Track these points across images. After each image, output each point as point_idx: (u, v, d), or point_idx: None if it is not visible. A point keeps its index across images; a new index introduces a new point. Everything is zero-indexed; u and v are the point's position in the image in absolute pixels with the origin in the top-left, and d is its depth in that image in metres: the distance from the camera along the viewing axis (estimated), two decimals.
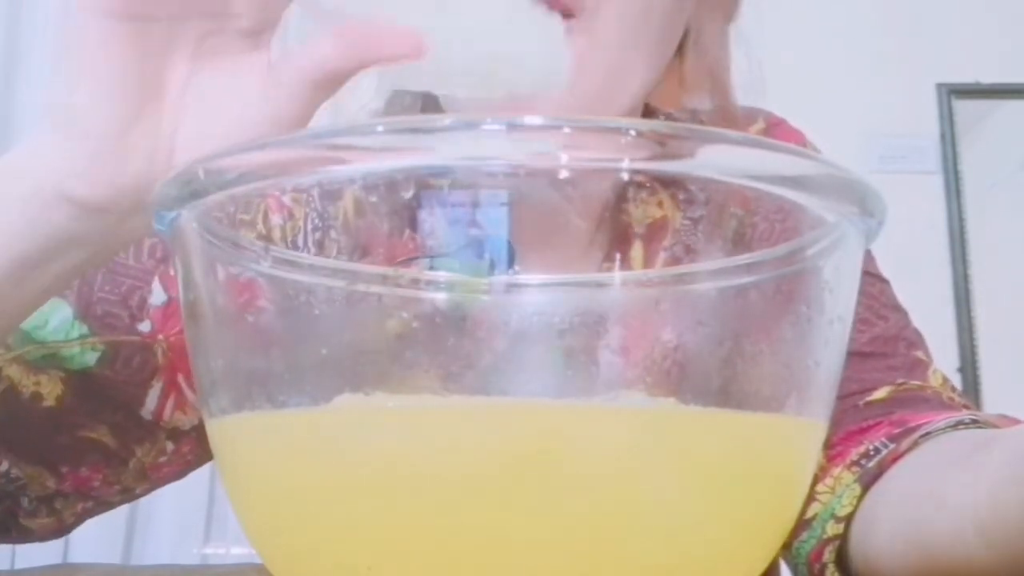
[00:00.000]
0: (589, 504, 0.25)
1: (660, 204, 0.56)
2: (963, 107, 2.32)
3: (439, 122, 0.25)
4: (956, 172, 2.29)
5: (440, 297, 0.35)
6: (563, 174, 0.26)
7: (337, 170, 0.27)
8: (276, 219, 0.54)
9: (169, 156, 0.36)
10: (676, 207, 0.55)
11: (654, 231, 0.56)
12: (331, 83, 0.35)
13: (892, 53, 2.31)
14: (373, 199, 0.42)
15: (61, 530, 0.57)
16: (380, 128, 0.25)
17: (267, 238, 0.51)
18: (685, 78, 0.59)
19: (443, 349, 0.31)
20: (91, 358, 0.53)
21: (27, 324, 0.50)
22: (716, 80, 0.61)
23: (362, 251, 0.45)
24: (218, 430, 0.30)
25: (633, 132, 0.25)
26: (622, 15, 0.51)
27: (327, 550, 0.27)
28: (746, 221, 0.30)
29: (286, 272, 0.32)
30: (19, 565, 2.00)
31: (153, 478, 0.59)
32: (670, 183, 0.54)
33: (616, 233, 0.57)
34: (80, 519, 0.58)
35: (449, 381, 0.30)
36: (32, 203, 0.36)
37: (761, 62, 0.63)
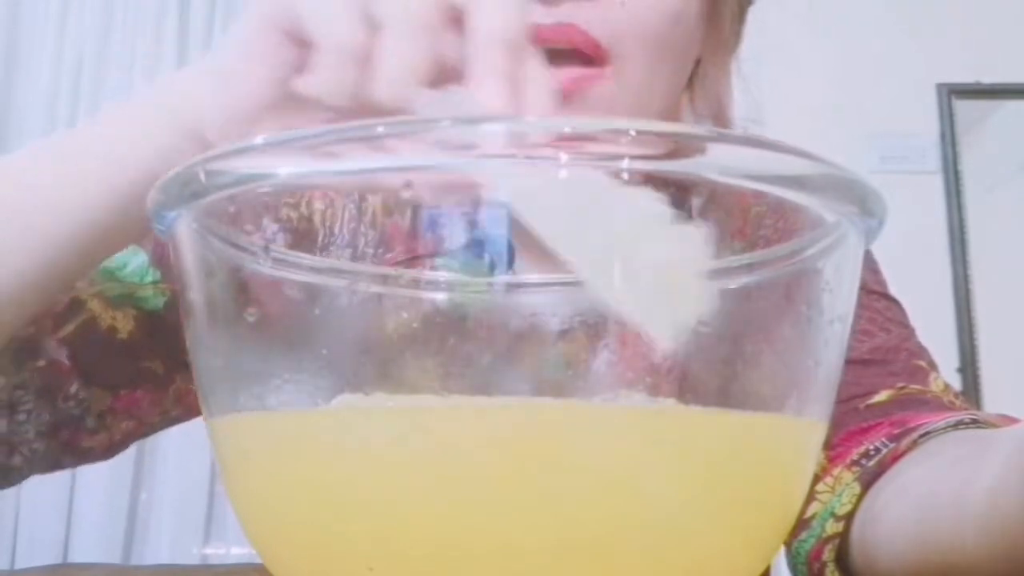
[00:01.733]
0: (588, 504, 0.25)
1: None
2: (963, 107, 2.32)
3: (439, 122, 0.25)
4: (956, 172, 2.29)
5: (440, 297, 0.35)
6: (563, 174, 0.26)
7: (337, 170, 0.27)
8: (318, 204, 0.57)
9: None
10: (677, 208, 0.55)
11: None
12: None
13: (892, 53, 2.31)
14: (372, 199, 0.43)
15: (111, 448, 0.62)
16: (380, 128, 0.25)
17: (308, 219, 0.54)
18: (693, 109, 0.62)
19: (443, 349, 0.31)
20: (160, 301, 0.60)
21: (109, 264, 0.58)
22: (720, 111, 0.63)
23: (386, 246, 0.47)
24: (218, 429, 0.30)
25: (633, 132, 0.25)
26: (646, 60, 0.54)
27: (327, 550, 0.27)
28: (747, 223, 0.31)
29: (286, 272, 0.32)
30: (19, 565, 2.01)
31: (185, 403, 0.64)
32: (670, 184, 0.54)
33: None
34: (125, 440, 0.63)
35: (449, 381, 0.30)
36: (175, 133, 0.43)
37: (760, 103, 0.65)
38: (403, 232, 0.44)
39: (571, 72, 0.52)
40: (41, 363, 0.56)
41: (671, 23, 0.54)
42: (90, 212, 0.45)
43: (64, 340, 0.57)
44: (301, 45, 0.37)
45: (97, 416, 0.60)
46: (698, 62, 0.62)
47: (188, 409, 0.65)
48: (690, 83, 0.62)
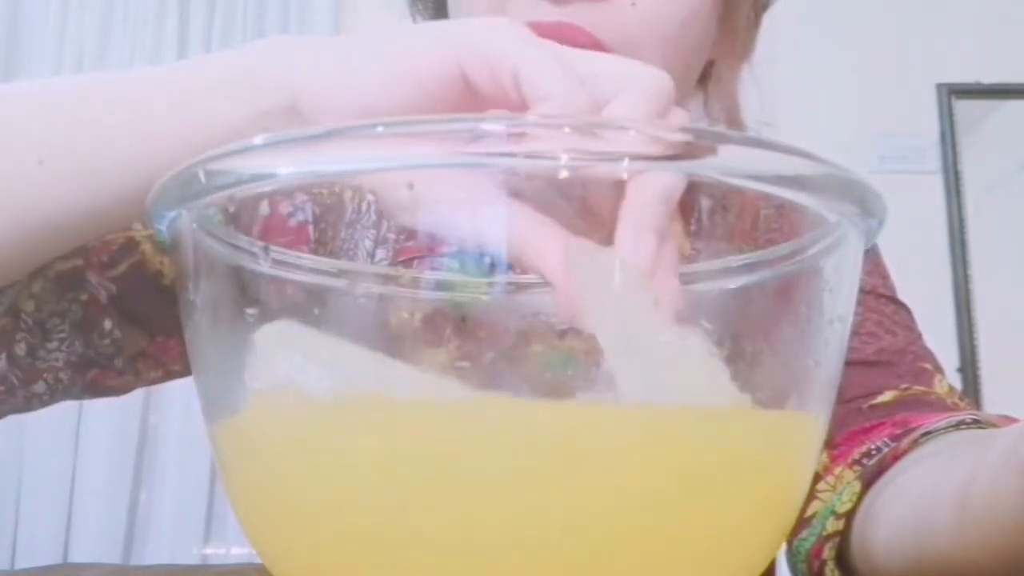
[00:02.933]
0: (588, 503, 0.25)
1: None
2: (963, 107, 2.32)
3: (439, 122, 0.25)
4: (956, 172, 2.29)
5: (440, 297, 0.35)
6: (563, 174, 0.26)
7: (337, 170, 0.27)
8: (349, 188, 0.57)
9: None
10: (686, 237, 0.55)
11: None
12: None
13: (892, 53, 2.31)
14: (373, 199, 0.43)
15: (129, 390, 0.62)
16: (380, 128, 0.25)
17: (339, 196, 0.55)
18: (707, 111, 0.62)
19: (443, 349, 0.31)
20: None
21: None
22: (734, 114, 0.63)
23: (408, 234, 0.47)
24: (218, 430, 0.30)
25: (633, 132, 0.25)
26: (655, 62, 0.52)
27: (327, 550, 0.27)
28: (747, 224, 0.30)
29: (286, 272, 0.32)
30: (19, 565, 2.00)
31: None
32: (683, 211, 0.55)
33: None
34: (147, 384, 0.63)
35: (449, 381, 0.30)
36: (261, 99, 0.38)
37: (774, 107, 0.65)
38: (393, 236, 0.43)
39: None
40: (84, 296, 0.56)
41: (683, 25, 0.54)
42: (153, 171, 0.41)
43: (114, 279, 0.57)
44: (472, 93, 0.34)
45: (129, 359, 0.60)
46: (711, 64, 0.61)
47: None
48: (703, 85, 0.62)
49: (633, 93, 0.32)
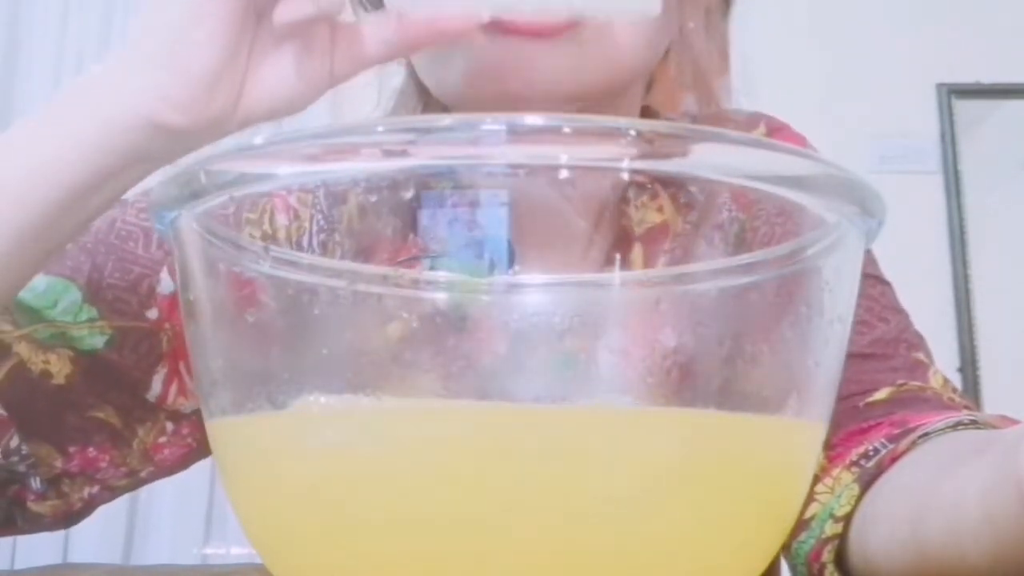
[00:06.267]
0: (588, 506, 0.25)
1: (660, 208, 0.55)
2: (963, 107, 2.32)
3: (439, 122, 0.25)
4: (956, 172, 2.29)
5: (440, 297, 0.35)
6: (563, 174, 0.26)
7: (337, 170, 0.27)
8: (282, 219, 0.55)
9: (238, 99, 0.42)
10: (676, 211, 0.54)
11: (654, 234, 0.56)
12: (384, 59, 0.44)
13: (892, 53, 2.31)
14: (374, 199, 0.43)
15: (69, 516, 0.57)
16: (380, 128, 0.25)
17: (272, 238, 0.52)
18: (673, 76, 0.59)
19: (443, 350, 0.31)
20: (99, 341, 0.54)
21: (37, 303, 0.53)
22: (702, 80, 0.59)
23: (365, 255, 0.46)
24: (218, 430, 0.30)
25: (633, 132, 0.25)
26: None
27: (327, 550, 0.27)
28: (748, 225, 0.30)
29: (286, 272, 0.32)
30: (19, 565, 2.01)
31: (156, 460, 0.59)
32: (670, 184, 0.54)
33: (616, 236, 0.57)
34: (87, 506, 0.58)
35: (449, 381, 0.30)
36: (112, 126, 0.40)
37: (749, 63, 0.62)
38: (386, 238, 0.43)
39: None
40: None
41: None
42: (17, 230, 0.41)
43: None
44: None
45: (48, 481, 0.55)
46: (674, 40, 0.57)
47: (162, 467, 0.59)
48: (670, 54, 0.58)
49: None
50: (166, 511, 2.08)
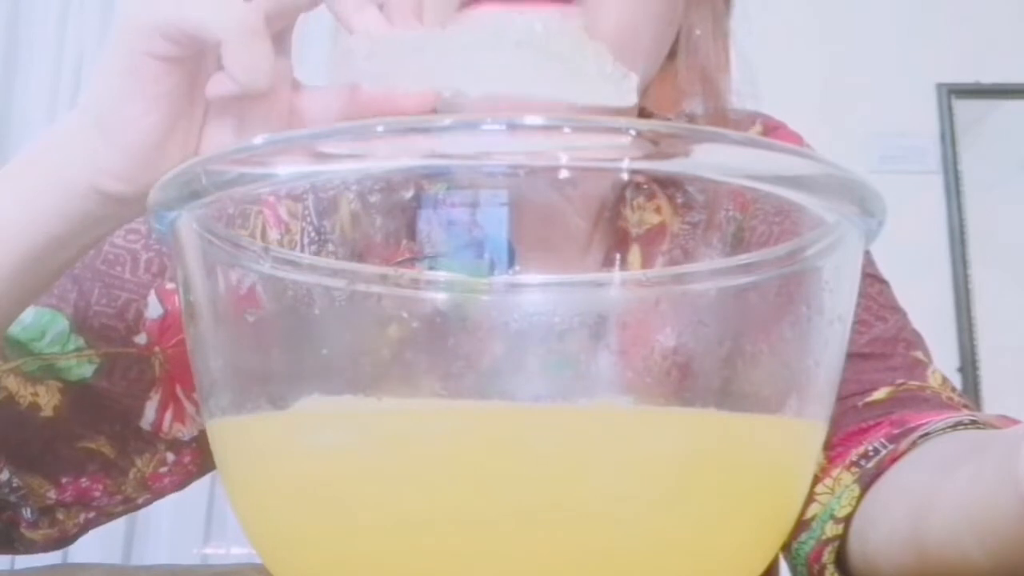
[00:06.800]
0: (587, 505, 0.25)
1: (658, 209, 0.55)
2: (963, 107, 2.32)
3: (439, 122, 0.25)
4: (956, 172, 2.29)
5: (440, 297, 0.35)
6: (563, 174, 0.26)
7: (337, 170, 0.27)
8: (273, 234, 0.55)
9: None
10: (674, 212, 0.54)
11: (652, 236, 0.56)
12: None
13: (892, 53, 2.31)
14: (369, 201, 0.43)
15: (64, 540, 0.58)
16: (380, 128, 0.25)
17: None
18: (679, 80, 0.59)
19: (443, 349, 0.31)
20: (88, 370, 0.54)
21: (24, 336, 0.53)
22: (709, 82, 0.60)
23: (359, 261, 0.46)
24: (218, 430, 0.30)
25: (633, 132, 0.25)
26: (622, 5, 0.51)
27: (327, 550, 0.27)
28: (745, 225, 0.30)
29: (286, 272, 0.32)
30: (19, 565, 2.00)
31: (154, 488, 0.59)
32: (668, 185, 0.54)
33: (614, 237, 0.57)
34: (83, 529, 0.58)
35: (449, 381, 0.30)
36: (67, 192, 0.40)
37: (751, 63, 0.62)
38: (378, 244, 0.43)
39: (537, 6, 0.48)
40: None
41: None
42: None
43: None
44: (182, 57, 0.37)
45: (40, 511, 0.55)
46: (681, 28, 0.58)
47: (160, 493, 0.60)
48: (676, 52, 0.59)
49: None
50: (166, 511, 2.08)
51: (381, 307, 0.33)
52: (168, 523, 2.07)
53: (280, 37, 0.39)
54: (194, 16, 0.35)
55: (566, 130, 0.25)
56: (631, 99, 0.38)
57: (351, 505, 0.26)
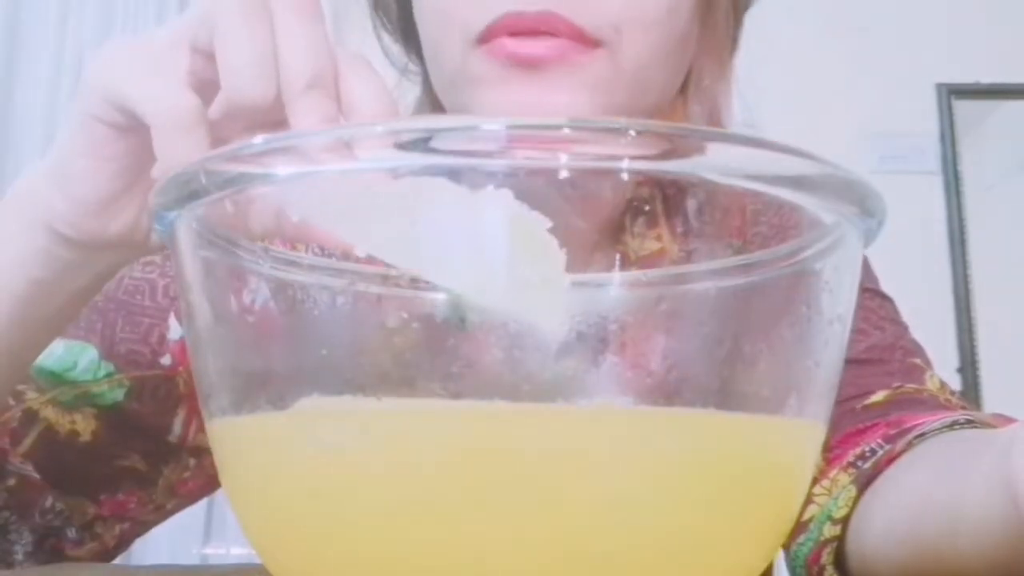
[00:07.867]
0: (587, 506, 0.25)
1: (659, 237, 0.56)
2: (963, 107, 2.32)
3: (439, 123, 0.25)
4: (956, 172, 2.29)
5: (440, 298, 0.35)
6: (563, 174, 0.26)
7: (336, 171, 0.27)
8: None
9: (148, 221, 0.41)
10: (674, 239, 0.55)
11: (652, 261, 0.56)
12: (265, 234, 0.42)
13: (892, 53, 2.31)
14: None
15: (105, 554, 0.61)
16: (380, 128, 0.25)
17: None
18: (687, 114, 0.60)
19: (443, 349, 0.31)
20: (119, 394, 0.57)
21: (58, 367, 0.56)
22: (716, 117, 0.62)
23: (358, 262, 0.46)
24: (218, 430, 0.30)
25: (633, 132, 0.25)
26: (645, 45, 0.52)
27: (327, 550, 0.27)
28: (743, 251, 0.31)
29: (286, 272, 0.32)
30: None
31: (181, 493, 0.63)
32: (673, 214, 0.55)
33: (614, 261, 0.57)
34: (120, 542, 0.62)
35: (449, 381, 0.30)
36: (36, 234, 0.41)
37: (753, 107, 0.64)
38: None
39: (554, 43, 0.49)
40: (12, 482, 0.54)
41: (668, 11, 0.53)
42: None
43: (26, 455, 0.54)
44: (129, 126, 0.37)
45: (81, 528, 0.58)
46: (690, 71, 0.61)
47: (187, 498, 0.64)
48: (684, 88, 0.61)
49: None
50: None
51: (381, 307, 0.33)
52: (168, 523, 2.06)
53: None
54: (132, 95, 0.36)
55: (566, 130, 0.25)
56: (561, 328, 0.33)
57: (351, 505, 0.26)
